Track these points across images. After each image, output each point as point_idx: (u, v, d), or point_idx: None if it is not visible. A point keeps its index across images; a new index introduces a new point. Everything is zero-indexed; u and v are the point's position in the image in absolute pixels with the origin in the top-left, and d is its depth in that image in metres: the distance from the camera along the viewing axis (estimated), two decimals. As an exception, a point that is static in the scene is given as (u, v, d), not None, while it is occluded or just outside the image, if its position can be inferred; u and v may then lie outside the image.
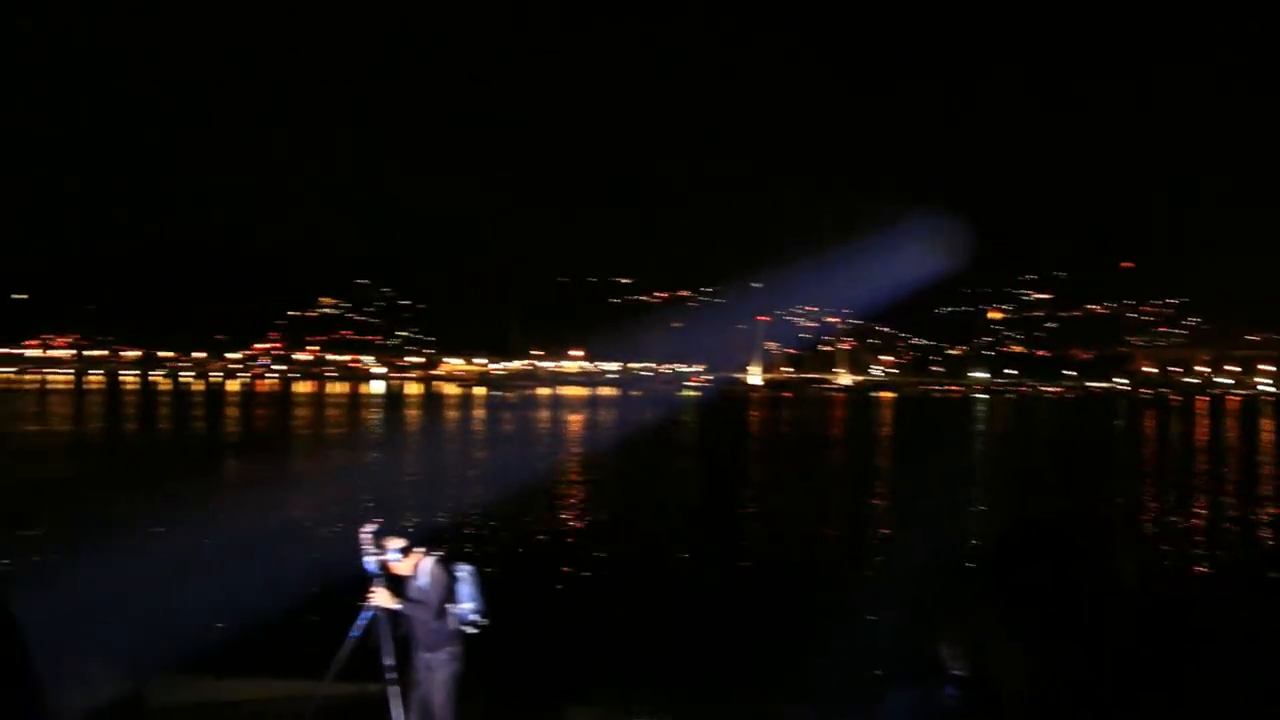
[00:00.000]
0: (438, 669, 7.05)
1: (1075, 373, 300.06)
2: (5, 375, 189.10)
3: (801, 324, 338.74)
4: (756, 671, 12.43)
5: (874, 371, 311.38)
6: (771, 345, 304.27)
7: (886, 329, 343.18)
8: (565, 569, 18.61)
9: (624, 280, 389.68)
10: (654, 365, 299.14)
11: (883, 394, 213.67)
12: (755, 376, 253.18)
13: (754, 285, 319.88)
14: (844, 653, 13.25)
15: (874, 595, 16.85)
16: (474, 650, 7.19)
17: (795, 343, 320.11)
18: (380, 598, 6.94)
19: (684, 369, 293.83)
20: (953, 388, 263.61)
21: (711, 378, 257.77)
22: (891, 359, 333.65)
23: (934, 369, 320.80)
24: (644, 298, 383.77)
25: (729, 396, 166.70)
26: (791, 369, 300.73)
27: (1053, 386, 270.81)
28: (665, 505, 29.17)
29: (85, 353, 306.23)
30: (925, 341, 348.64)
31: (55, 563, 16.40)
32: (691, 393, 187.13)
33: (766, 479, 38.32)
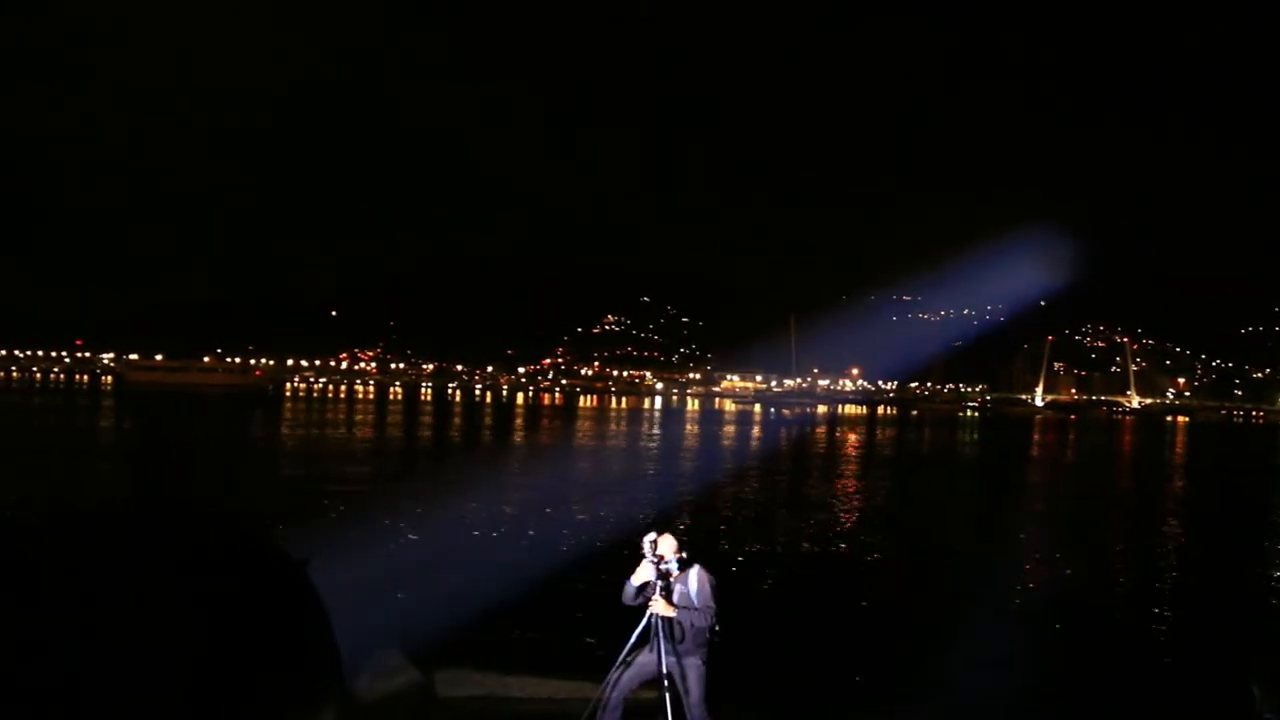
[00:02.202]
0: (692, 671, 7.28)
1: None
2: (318, 386, 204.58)
3: (1090, 343, 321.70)
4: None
5: (1169, 394, 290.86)
6: (1058, 365, 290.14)
7: (1181, 349, 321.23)
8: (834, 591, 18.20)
9: (905, 297, 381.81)
10: (933, 384, 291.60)
11: (1178, 418, 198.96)
12: (1039, 397, 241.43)
13: (1040, 303, 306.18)
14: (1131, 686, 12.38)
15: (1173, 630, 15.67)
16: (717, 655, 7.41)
17: (1083, 363, 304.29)
18: (660, 605, 7.09)
19: (964, 388, 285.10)
20: (1256, 413, 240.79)
21: (992, 398, 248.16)
22: (1184, 381, 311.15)
23: (1235, 392, 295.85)
24: (925, 315, 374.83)
25: (1011, 417, 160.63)
26: (1078, 390, 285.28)
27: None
28: (945, 528, 28.19)
29: (389, 365, 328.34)
30: (1225, 363, 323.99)
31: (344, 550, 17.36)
32: (972, 413, 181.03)
33: (1052, 504, 36.27)
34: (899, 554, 22.42)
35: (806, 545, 22.34)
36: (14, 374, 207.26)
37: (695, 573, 7.37)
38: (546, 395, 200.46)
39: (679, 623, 7.22)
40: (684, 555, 7.41)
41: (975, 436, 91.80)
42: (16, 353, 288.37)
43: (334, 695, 9.69)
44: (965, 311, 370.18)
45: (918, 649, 13.90)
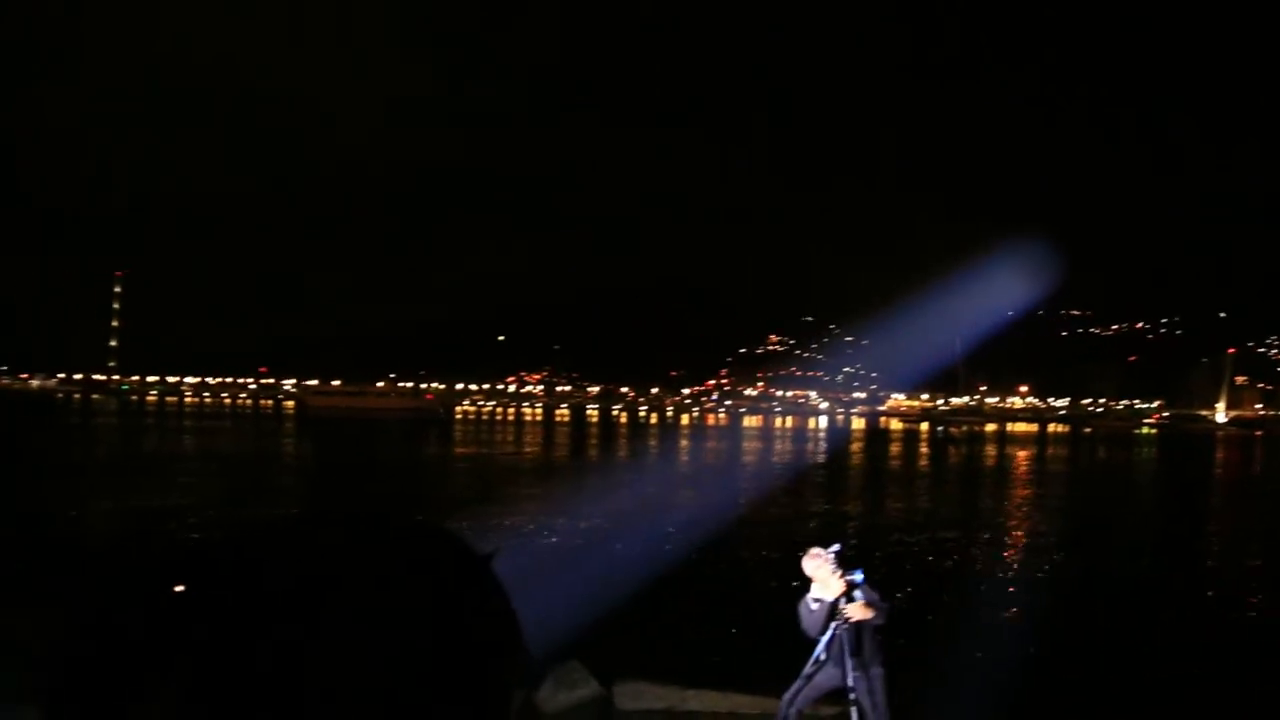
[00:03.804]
0: (875, 681, 7.28)
1: None
2: (486, 410, 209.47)
3: (1276, 356, 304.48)
4: None
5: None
6: (1240, 379, 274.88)
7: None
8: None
9: (1075, 313, 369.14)
10: (1107, 401, 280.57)
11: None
12: (1221, 413, 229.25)
13: (1220, 315, 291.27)
14: None
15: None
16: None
17: (1269, 376, 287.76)
18: (856, 609, 7.09)
19: (1140, 405, 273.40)
20: None
21: (1170, 414, 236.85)
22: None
23: None
24: (1097, 330, 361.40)
25: (1190, 434, 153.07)
26: (1264, 405, 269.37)
27: None
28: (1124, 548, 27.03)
29: (555, 388, 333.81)
30: None
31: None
32: (1148, 430, 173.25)
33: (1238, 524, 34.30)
34: (1077, 583, 21.58)
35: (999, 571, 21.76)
36: (206, 399, 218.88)
37: (859, 575, 7.39)
38: (711, 416, 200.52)
39: (867, 628, 7.22)
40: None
41: (1152, 454, 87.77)
42: (208, 379, 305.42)
43: (524, 690, 9.94)
44: (1139, 324, 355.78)
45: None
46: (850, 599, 7.18)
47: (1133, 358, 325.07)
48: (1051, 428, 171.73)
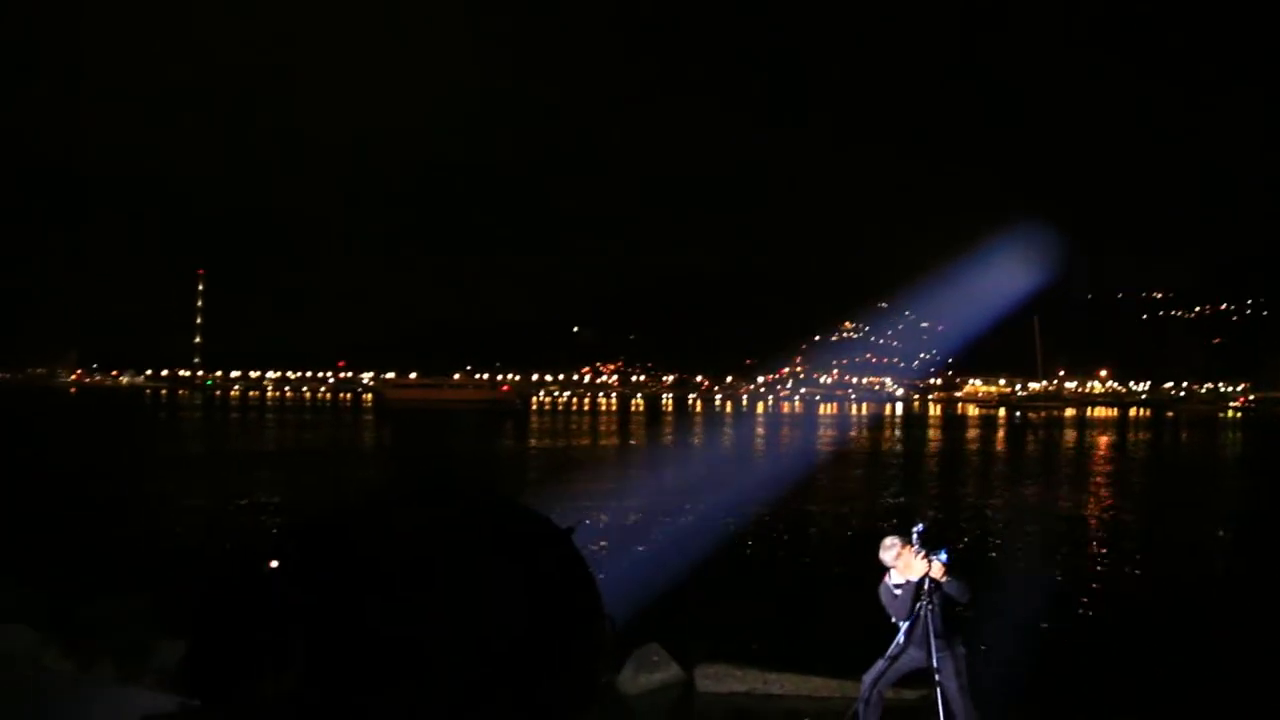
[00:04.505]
0: (960, 661, 7.32)
1: None
2: (562, 400, 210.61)
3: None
4: None
5: None
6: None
7: None
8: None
9: (1156, 294, 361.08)
10: (1190, 384, 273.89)
11: None
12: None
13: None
14: None
15: None
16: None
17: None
18: (936, 568, 7.10)
19: (1225, 388, 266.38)
20: None
21: (1257, 397, 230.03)
22: None
23: None
24: (1179, 312, 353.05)
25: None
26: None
27: None
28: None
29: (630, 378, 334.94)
30: None
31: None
32: (1234, 414, 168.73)
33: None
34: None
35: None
36: (287, 394, 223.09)
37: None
38: (786, 404, 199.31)
39: (951, 607, 7.26)
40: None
41: (1239, 438, 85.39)
42: (289, 374, 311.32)
43: (609, 667, 10.03)
44: (1223, 305, 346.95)
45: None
46: (933, 579, 7.17)
47: (1217, 339, 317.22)
48: (1133, 412, 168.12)
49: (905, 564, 7.37)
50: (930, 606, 7.09)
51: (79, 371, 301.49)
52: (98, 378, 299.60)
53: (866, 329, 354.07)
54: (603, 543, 18.61)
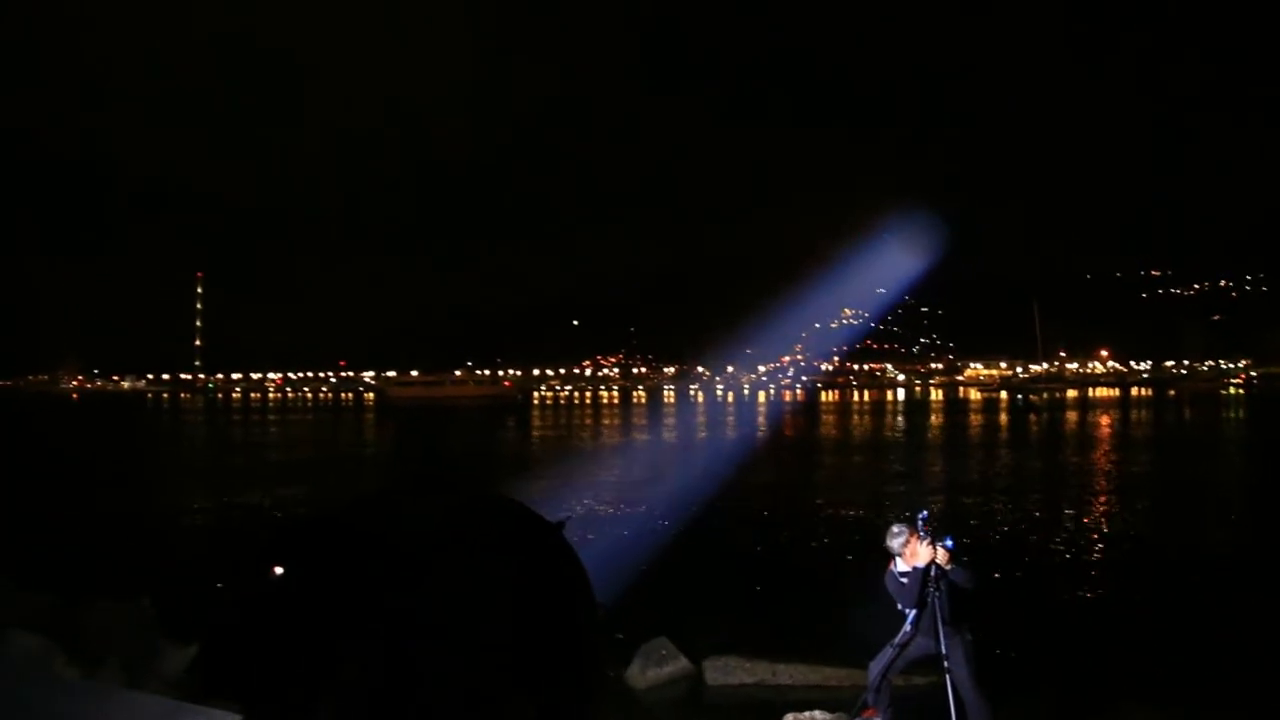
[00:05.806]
0: (969, 647, 7.32)
1: None
2: (564, 394, 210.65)
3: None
4: None
5: None
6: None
7: None
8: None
9: (1155, 273, 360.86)
10: (1191, 362, 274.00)
11: None
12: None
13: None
14: None
15: None
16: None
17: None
18: (942, 555, 7.09)
19: (1226, 365, 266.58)
20: None
21: (1258, 374, 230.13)
22: None
23: None
24: (1178, 290, 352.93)
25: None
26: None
27: None
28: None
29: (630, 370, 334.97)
30: None
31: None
32: (1236, 390, 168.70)
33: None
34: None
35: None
36: (289, 394, 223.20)
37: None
38: (788, 393, 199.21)
39: (958, 594, 7.25)
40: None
41: (1241, 416, 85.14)
42: (290, 374, 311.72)
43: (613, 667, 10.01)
44: (1222, 283, 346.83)
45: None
46: (939, 566, 7.15)
47: (1216, 316, 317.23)
48: (1134, 391, 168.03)
49: (912, 551, 7.36)
50: (938, 593, 7.08)
51: (80, 378, 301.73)
52: (99, 383, 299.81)
53: (866, 316, 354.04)
54: (590, 536, 18.63)
